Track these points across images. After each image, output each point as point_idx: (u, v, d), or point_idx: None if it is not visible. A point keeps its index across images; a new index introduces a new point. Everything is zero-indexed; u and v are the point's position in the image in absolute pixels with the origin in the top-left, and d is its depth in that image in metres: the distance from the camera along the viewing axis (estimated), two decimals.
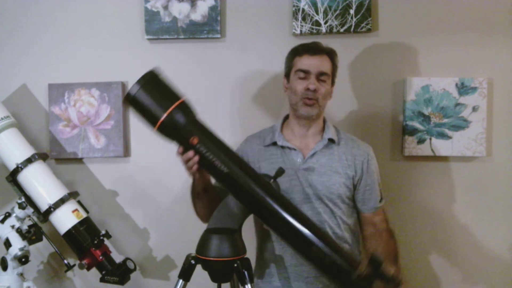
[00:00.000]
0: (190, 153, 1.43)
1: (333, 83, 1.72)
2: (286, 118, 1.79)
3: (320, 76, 1.64)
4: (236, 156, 1.50)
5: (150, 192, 2.21)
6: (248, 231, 1.61)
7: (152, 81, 1.43)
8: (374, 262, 1.34)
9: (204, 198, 1.62)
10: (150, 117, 1.42)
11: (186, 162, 1.45)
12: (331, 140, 1.69)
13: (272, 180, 1.46)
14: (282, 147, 1.69)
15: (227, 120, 2.20)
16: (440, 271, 2.17)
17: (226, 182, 1.46)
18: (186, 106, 1.45)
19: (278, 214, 1.42)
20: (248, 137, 1.82)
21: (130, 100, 1.41)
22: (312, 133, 1.71)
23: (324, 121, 1.75)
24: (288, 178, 1.63)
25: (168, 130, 1.43)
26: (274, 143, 1.71)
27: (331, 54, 1.70)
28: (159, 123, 1.40)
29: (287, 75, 1.72)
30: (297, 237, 1.42)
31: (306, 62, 1.65)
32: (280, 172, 1.47)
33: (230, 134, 2.20)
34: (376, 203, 1.73)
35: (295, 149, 1.68)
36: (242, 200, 1.47)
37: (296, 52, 1.69)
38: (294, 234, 1.42)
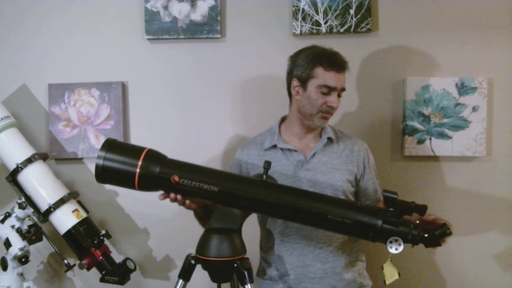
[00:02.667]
0: (172, 195, 1.48)
1: None
2: (282, 120, 1.78)
3: (341, 91, 1.65)
4: (219, 172, 1.56)
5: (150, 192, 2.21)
6: (248, 231, 1.61)
7: (112, 146, 1.45)
8: (389, 198, 1.34)
9: (208, 217, 1.62)
10: (126, 177, 1.43)
11: (175, 202, 1.50)
12: (329, 139, 1.70)
13: (264, 176, 1.47)
14: (282, 149, 1.69)
15: (227, 120, 2.20)
16: (440, 271, 2.17)
17: (222, 199, 1.47)
18: (153, 153, 1.47)
19: (284, 204, 1.45)
20: (244, 144, 1.81)
21: (101, 171, 1.43)
22: (312, 134, 1.71)
23: None
24: (291, 180, 1.64)
25: (148, 181, 1.44)
26: (274, 146, 1.70)
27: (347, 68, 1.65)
28: (136, 178, 1.42)
29: (301, 80, 1.62)
30: (310, 215, 1.44)
31: (333, 78, 1.59)
32: (268, 165, 1.47)
33: (231, 134, 2.20)
34: (378, 195, 1.75)
35: (296, 150, 1.68)
36: (246, 208, 1.49)
37: (320, 63, 1.59)
38: (306, 214, 1.44)
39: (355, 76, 2.15)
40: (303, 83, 1.62)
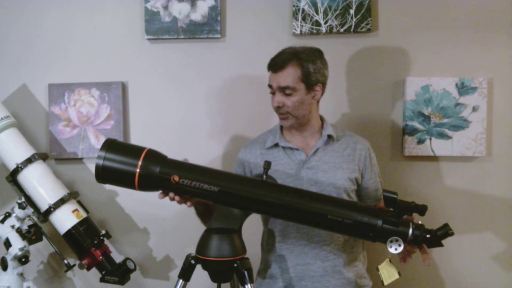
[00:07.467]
0: (171, 194, 1.48)
1: (310, 87, 1.62)
2: None
3: (284, 90, 1.62)
4: (219, 172, 1.56)
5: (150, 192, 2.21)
6: (248, 231, 1.61)
7: (112, 146, 1.45)
8: (389, 198, 1.34)
9: (208, 214, 1.62)
10: (126, 177, 1.43)
11: (174, 201, 1.50)
12: (330, 137, 1.70)
13: (264, 176, 1.47)
14: (284, 147, 1.69)
15: (227, 119, 2.20)
16: (439, 271, 2.17)
17: (222, 199, 1.47)
18: (153, 153, 1.47)
19: (284, 205, 1.45)
20: (246, 143, 1.81)
21: (101, 171, 1.42)
22: (310, 133, 1.71)
23: (322, 120, 1.74)
24: (292, 179, 1.64)
25: (148, 181, 1.44)
26: (276, 145, 1.71)
27: (299, 61, 1.60)
28: (136, 178, 1.41)
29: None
30: (310, 215, 1.44)
31: (271, 78, 1.65)
32: (268, 165, 1.47)
33: (231, 134, 2.20)
34: (379, 194, 1.75)
35: (297, 149, 1.68)
36: (246, 208, 1.49)
37: (267, 67, 1.68)
38: (306, 214, 1.45)
39: (355, 76, 2.15)
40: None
